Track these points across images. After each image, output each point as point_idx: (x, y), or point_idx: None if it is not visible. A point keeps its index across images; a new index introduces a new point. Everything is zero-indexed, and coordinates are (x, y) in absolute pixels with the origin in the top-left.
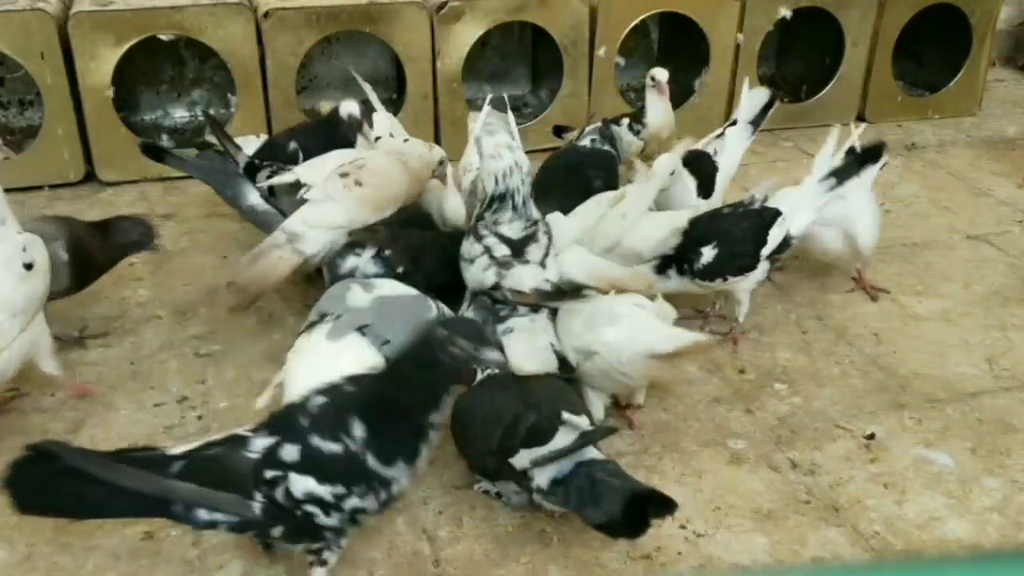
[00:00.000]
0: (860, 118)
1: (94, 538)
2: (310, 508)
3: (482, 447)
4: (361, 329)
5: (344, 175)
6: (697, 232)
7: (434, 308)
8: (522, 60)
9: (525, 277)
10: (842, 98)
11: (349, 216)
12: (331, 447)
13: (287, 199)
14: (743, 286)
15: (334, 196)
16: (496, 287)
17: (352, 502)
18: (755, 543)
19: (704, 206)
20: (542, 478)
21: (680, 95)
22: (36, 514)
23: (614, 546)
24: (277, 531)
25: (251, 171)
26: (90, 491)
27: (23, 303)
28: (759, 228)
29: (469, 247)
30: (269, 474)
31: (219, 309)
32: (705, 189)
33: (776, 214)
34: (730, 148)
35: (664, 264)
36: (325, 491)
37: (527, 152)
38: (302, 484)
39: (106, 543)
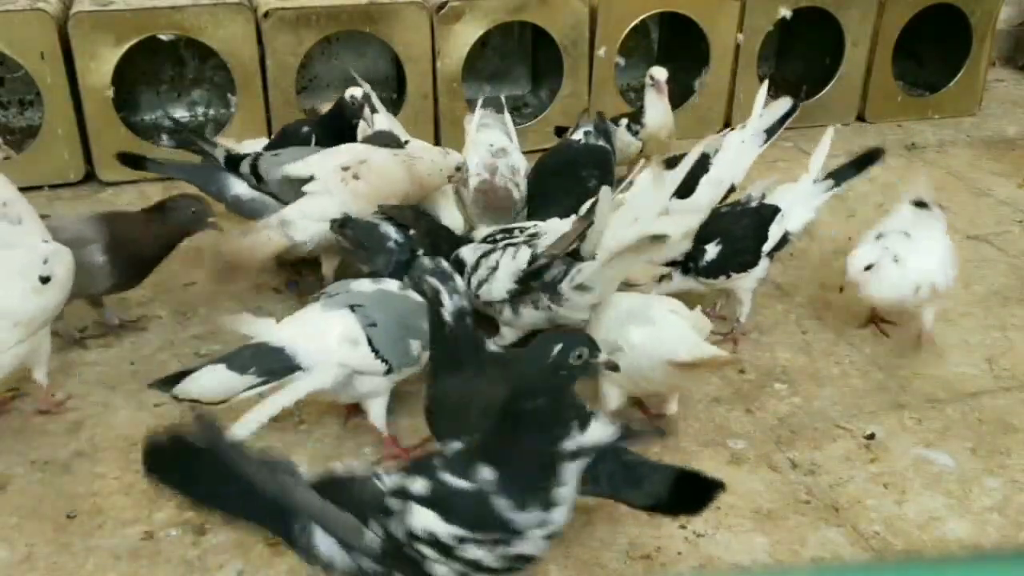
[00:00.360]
0: (860, 118)
1: (94, 538)
2: (424, 549)
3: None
4: (353, 306)
5: (345, 168)
6: (699, 231)
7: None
8: (522, 60)
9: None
10: (842, 98)
11: (344, 209)
12: (459, 483)
13: (276, 183)
14: (745, 284)
15: (331, 190)
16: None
17: (470, 550)
18: (755, 543)
19: (680, 206)
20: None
21: (680, 95)
22: (160, 483)
23: (614, 546)
24: None
25: (232, 164)
26: (224, 485)
27: (30, 315)
28: (760, 225)
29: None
30: (392, 503)
31: (219, 309)
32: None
33: (775, 211)
34: (734, 153)
35: (667, 264)
36: (444, 531)
37: (528, 152)
38: (423, 518)
39: (106, 543)
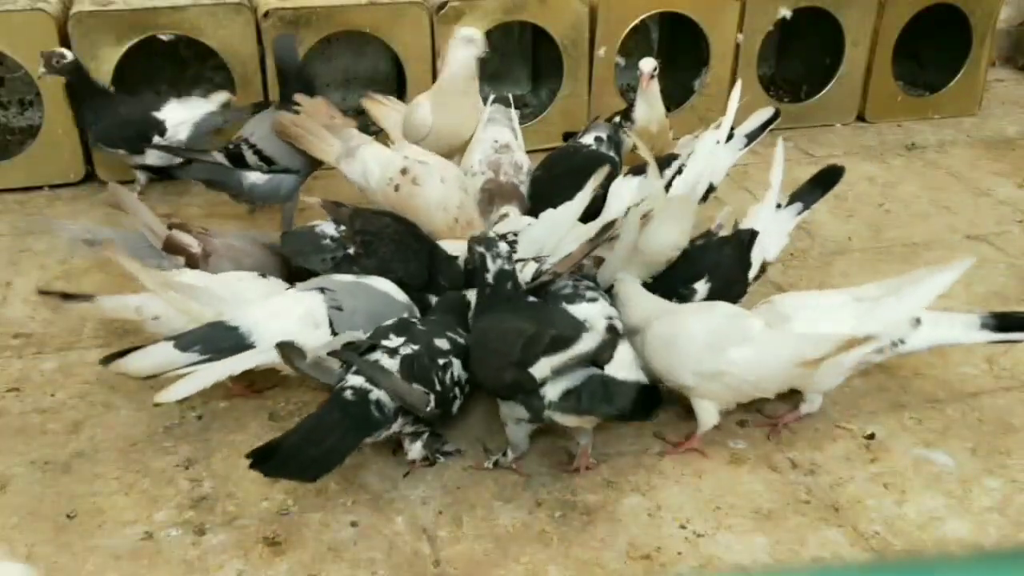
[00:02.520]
0: (860, 118)
1: (94, 538)
2: (456, 392)
3: (500, 361)
4: (323, 289)
5: (404, 172)
6: (684, 268)
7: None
8: (522, 60)
9: None
10: (842, 98)
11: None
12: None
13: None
14: None
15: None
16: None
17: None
18: (755, 543)
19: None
20: (555, 391)
21: (680, 95)
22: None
23: (614, 546)
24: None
25: (234, 159)
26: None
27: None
28: (742, 252)
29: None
30: (441, 361)
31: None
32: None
33: (754, 234)
34: (709, 154)
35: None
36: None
37: (527, 152)
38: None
39: (106, 543)
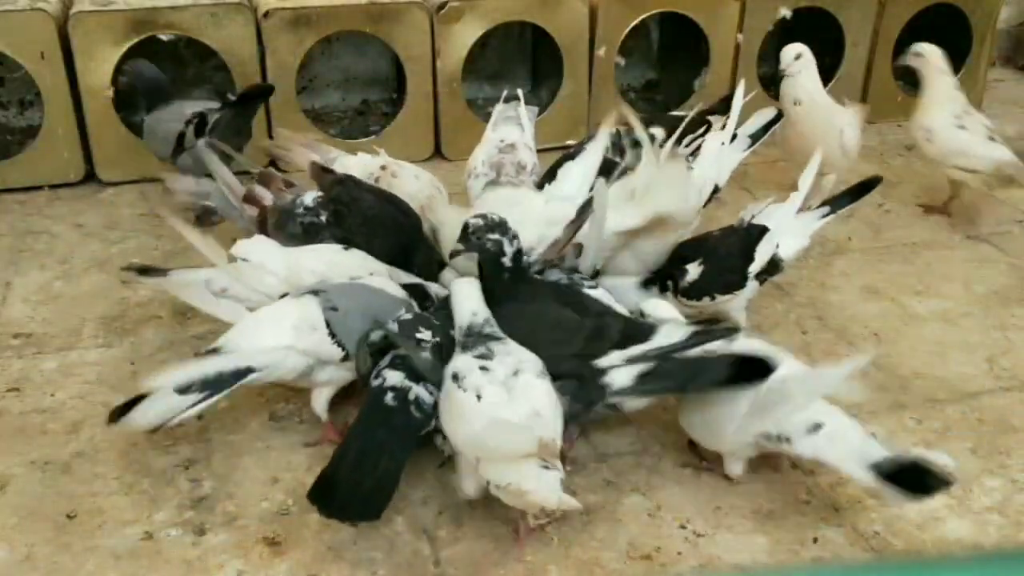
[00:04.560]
0: None
1: (94, 538)
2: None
3: (551, 351)
4: (317, 291)
5: (384, 168)
6: (682, 250)
7: (401, 312)
8: (522, 60)
9: None
10: (842, 98)
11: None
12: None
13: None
14: (733, 305)
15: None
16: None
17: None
18: (755, 543)
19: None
20: (622, 377)
21: (680, 95)
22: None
23: (614, 546)
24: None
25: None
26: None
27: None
28: (746, 244)
29: None
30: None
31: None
32: None
33: (763, 230)
34: (715, 155)
35: (647, 283)
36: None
37: None
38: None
39: (106, 543)
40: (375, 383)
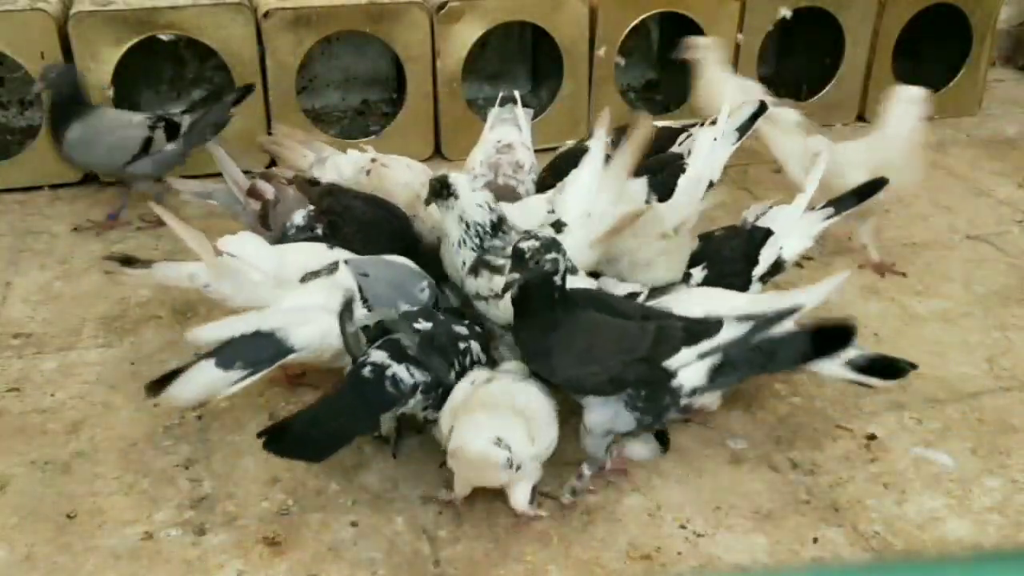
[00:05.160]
0: (860, 118)
1: (94, 538)
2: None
3: (618, 359)
4: (347, 261)
5: (374, 160)
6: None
7: (425, 286)
8: (522, 60)
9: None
10: (842, 98)
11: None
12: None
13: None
14: None
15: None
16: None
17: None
18: (755, 543)
19: (663, 208)
20: (695, 375)
21: (680, 95)
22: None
23: (614, 546)
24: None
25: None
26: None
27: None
28: (750, 248)
29: (485, 283)
30: (462, 346)
31: (219, 309)
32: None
33: (767, 233)
34: (708, 151)
35: (651, 291)
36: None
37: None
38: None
39: (106, 543)
40: (360, 359)
